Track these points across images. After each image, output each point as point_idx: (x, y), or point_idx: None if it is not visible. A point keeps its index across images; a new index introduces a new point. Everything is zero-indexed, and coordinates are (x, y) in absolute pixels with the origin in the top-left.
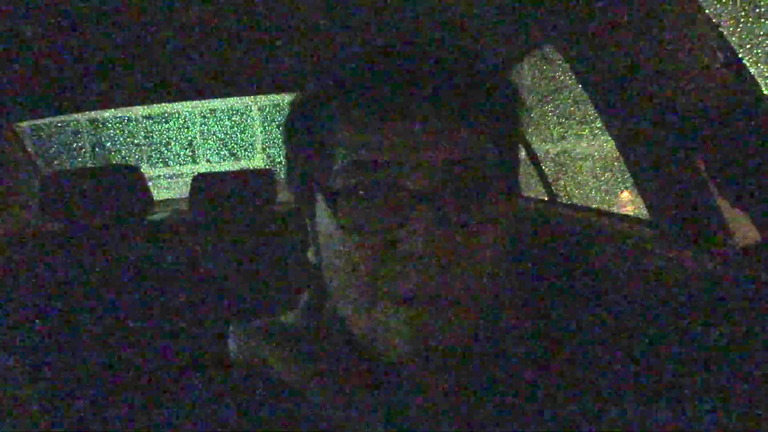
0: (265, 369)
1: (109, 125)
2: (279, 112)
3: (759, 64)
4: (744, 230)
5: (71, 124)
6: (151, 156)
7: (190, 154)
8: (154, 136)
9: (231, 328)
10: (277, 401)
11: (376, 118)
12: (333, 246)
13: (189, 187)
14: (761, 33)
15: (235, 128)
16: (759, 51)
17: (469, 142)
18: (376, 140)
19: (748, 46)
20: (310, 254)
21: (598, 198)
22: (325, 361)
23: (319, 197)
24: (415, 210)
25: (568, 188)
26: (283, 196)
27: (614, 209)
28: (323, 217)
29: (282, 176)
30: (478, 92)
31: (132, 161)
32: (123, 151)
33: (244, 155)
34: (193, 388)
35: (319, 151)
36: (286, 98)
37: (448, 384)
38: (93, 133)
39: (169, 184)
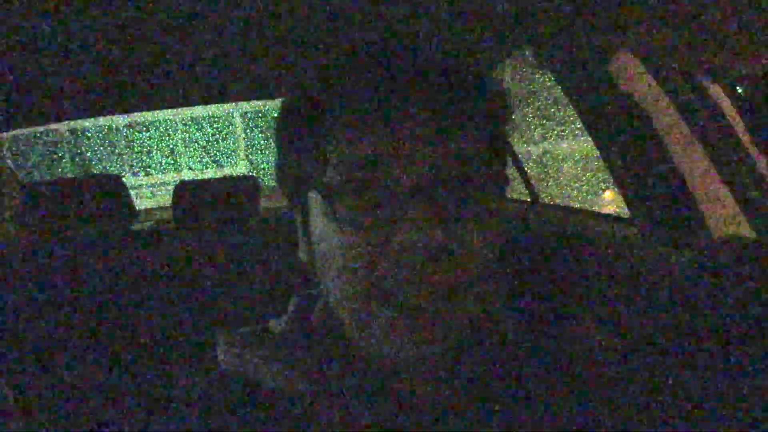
0: (253, 376)
1: (90, 135)
2: (261, 118)
3: None
4: (719, 225)
5: (50, 134)
6: (133, 165)
7: (172, 162)
8: (136, 145)
9: (218, 335)
10: (265, 408)
11: (370, 115)
12: (328, 243)
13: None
14: None
15: (217, 135)
16: None
17: (460, 138)
18: (371, 136)
19: None
20: (301, 254)
21: (579, 198)
22: (314, 367)
23: (313, 195)
24: (409, 205)
25: (549, 189)
26: (267, 202)
27: (596, 208)
28: (318, 215)
29: (265, 182)
30: (469, 91)
31: (114, 171)
32: (104, 161)
33: (227, 162)
34: (181, 395)
35: (314, 149)
36: (269, 104)
37: (441, 384)
38: (73, 142)
39: (151, 193)
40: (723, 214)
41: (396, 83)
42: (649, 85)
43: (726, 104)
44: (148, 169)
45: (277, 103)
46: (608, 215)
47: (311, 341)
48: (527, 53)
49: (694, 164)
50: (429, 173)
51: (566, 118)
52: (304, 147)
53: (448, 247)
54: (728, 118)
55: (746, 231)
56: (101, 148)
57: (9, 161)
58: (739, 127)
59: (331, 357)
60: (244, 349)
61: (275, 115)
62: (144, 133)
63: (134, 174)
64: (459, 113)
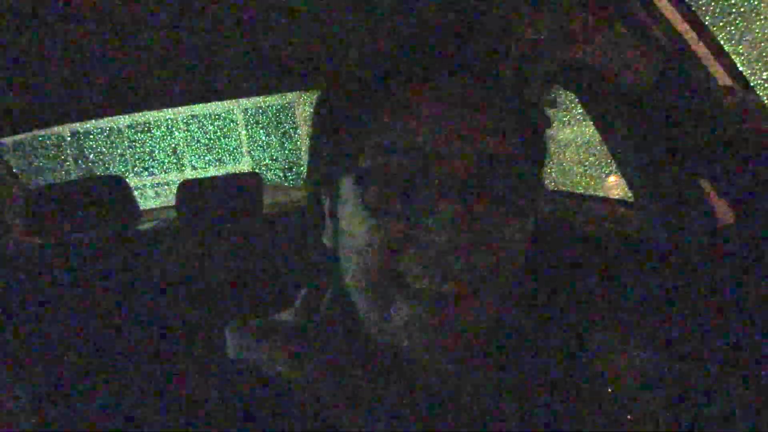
0: (263, 366)
1: (92, 137)
2: (263, 114)
3: (732, 42)
4: (726, 210)
5: (53, 137)
6: (136, 166)
7: (175, 161)
8: (138, 146)
9: (228, 327)
10: (275, 398)
11: (411, 106)
12: (355, 230)
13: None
14: (733, 11)
15: (219, 133)
16: (733, 29)
17: (501, 137)
18: (410, 125)
19: (720, 24)
20: (325, 240)
21: (583, 183)
22: (322, 358)
23: (345, 179)
24: (440, 200)
25: (553, 175)
26: (269, 198)
27: (600, 194)
28: (347, 201)
29: (268, 178)
30: (513, 90)
31: (117, 172)
32: (107, 163)
33: (230, 159)
34: (192, 388)
35: (352, 134)
36: (269, 100)
37: (458, 377)
38: (75, 145)
39: (155, 192)
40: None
41: (440, 74)
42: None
43: (725, 81)
44: (151, 169)
45: (277, 98)
46: (613, 199)
47: (318, 332)
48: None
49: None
50: (464, 170)
51: (568, 103)
52: (342, 133)
53: (475, 245)
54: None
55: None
56: (104, 150)
57: (12, 166)
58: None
59: (338, 348)
60: (254, 340)
61: (276, 111)
62: (146, 134)
63: (137, 174)
64: (501, 112)
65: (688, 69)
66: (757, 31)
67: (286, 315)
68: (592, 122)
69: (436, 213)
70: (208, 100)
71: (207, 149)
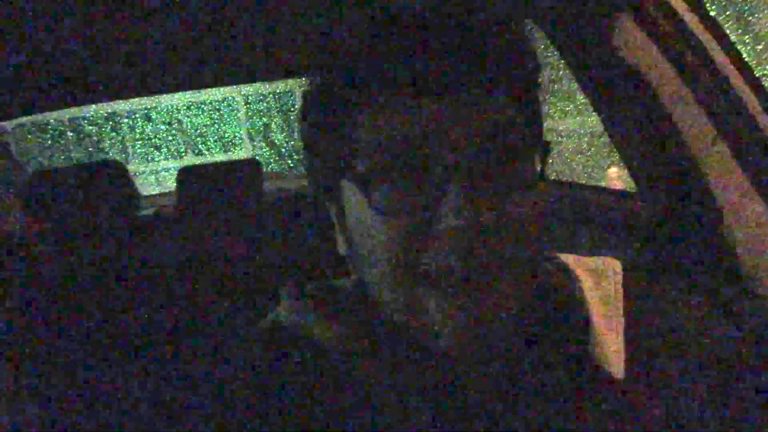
0: (311, 331)
1: (92, 122)
2: (263, 100)
3: (738, 32)
4: (728, 196)
5: (53, 123)
6: (137, 152)
7: (175, 147)
8: (138, 132)
9: (282, 290)
10: (315, 362)
11: (397, 95)
12: (366, 233)
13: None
14: (739, 1)
15: (220, 119)
16: (739, 19)
17: (497, 111)
18: (400, 117)
19: (727, 14)
20: (339, 248)
21: (585, 175)
22: (365, 330)
23: (346, 183)
24: (449, 185)
25: (555, 165)
26: (267, 185)
27: (602, 185)
28: (353, 205)
29: (270, 165)
30: (502, 59)
31: (117, 158)
32: (107, 149)
33: (231, 146)
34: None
35: (343, 136)
36: (270, 86)
37: (489, 366)
38: (75, 131)
39: (156, 179)
40: (732, 184)
41: (426, 60)
42: (655, 56)
43: (733, 73)
44: (152, 156)
45: (279, 85)
46: (615, 190)
47: (366, 304)
48: (528, 27)
49: (702, 136)
50: (465, 150)
51: (570, 94)
52: (333, 135)
53: (494, 223)
54: (736, 88)
55: (757, 202)
56: (104, 135)
57: (13, 151)
58: (748, 96)
59: (381, 325)
60: (304, 304)
61: (277, 97)
62: (146, 120)
63: (138, 160)
64: (495, 85)
65: None
66: (763, 21)
67: (342, 282)
68: (595, 113)
69: (446, 198)
70: (209, 86)
71: (208, 136)
